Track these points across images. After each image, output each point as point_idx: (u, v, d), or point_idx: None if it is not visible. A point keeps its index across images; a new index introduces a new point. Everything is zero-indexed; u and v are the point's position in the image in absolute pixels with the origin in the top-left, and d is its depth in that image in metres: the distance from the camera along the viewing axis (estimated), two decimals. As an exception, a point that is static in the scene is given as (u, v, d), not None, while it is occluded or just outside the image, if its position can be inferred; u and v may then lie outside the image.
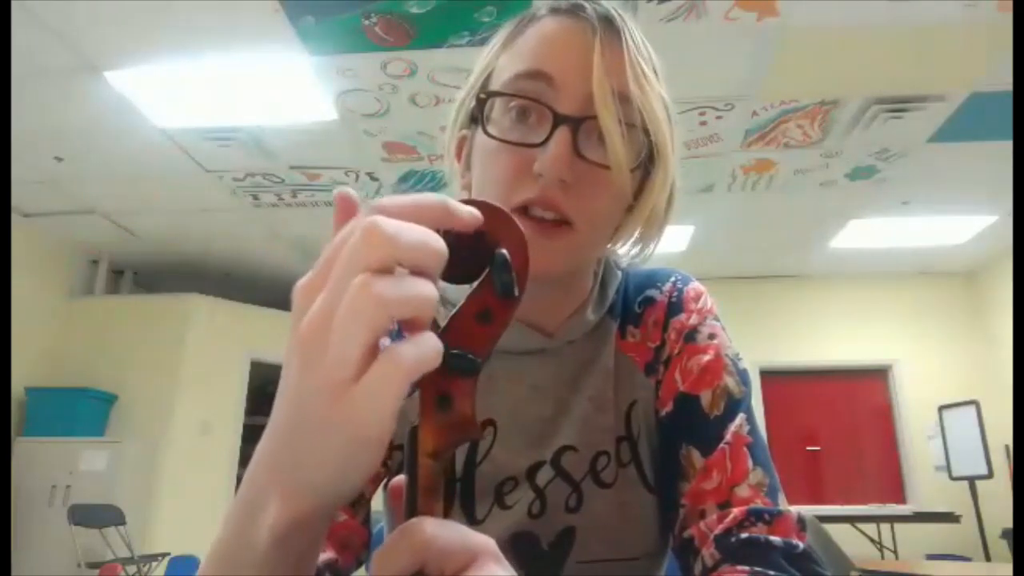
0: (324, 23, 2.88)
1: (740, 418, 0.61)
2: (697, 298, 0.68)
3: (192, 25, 2.90)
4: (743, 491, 0.57)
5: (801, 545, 0.55)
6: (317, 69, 3.19)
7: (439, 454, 0.34)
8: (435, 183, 4.36)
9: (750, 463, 0.59)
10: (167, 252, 5.62)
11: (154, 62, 3.14)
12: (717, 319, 0.68)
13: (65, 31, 2.93)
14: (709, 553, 0.56)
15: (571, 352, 0.67)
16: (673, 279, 0.70)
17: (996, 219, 4.90)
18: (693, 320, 0.67)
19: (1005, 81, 3.26)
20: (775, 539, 0.55)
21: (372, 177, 4.31)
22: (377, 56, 3.10)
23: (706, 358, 0.64)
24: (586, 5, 0.61)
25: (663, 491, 0.64)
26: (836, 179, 4.34)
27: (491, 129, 0.59)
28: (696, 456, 0.60)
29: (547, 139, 0.56)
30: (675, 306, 0.68)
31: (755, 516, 0.56)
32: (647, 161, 0.60)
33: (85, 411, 4.90)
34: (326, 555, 0.57)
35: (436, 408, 0.34)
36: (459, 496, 0.64)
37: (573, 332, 0.66)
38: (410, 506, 0.34)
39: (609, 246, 0.66)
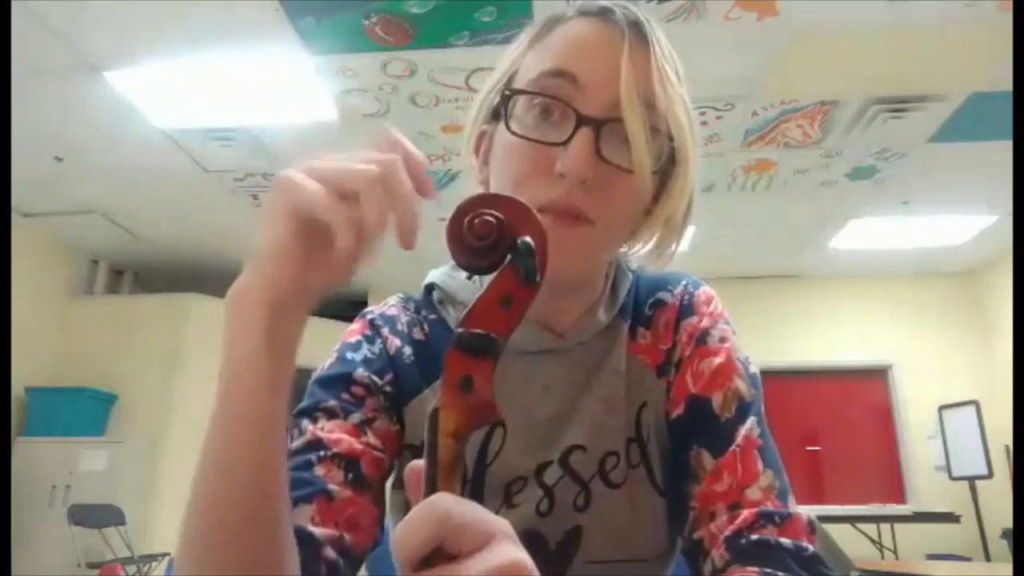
0: (324, 23, 2.88)
1: (751, 421, 0.61)
2: (708, 302, 0.69)
3: (192, 25, 2.90)
4: (754, 493, 0.57)
5: (811, 548, 0.55)
6: (317, 69, 3.19)
7: (460, 435, 0.35)
8: (435, 183, 4.36)
9: (760, 466, 0.59)
10: (167, 252, 5.62)
11: (154, 62, 3.14)
12: (728, 323, 0.68)
13: (65, 31, 2.93)
14: (719, 554, 0.56)
15: (582, 352, 0.67)
16: (684, 283, 0.70)
17: (996, 219, 4.90)
18: (704, 323, 0.67)
19: (1005, 81, 3.26)
20: (785, 541, 0.55)
21: (372, 177, 4.31)
22: (377, 56, 3.10)
23: (717, 360, 0.64)
24: (615, 9, 0.61)
25: (672, 492, 0.64)
26: (836, 179, 4.34)
27: (513, 125, 0.59)
28: (706, 457, 0.61)
29: (569, 139, 0.56)
30: (686, 309, 0.68)
31: (765, 518, 0.56)
32: (667, 165, 0.60)
33: (85, 411, 4.90)
34: (328, 531, 0.55)
35: (458, 389, 0.36)
36: (468, 497, 0.63)
37: (584, 333, 0.66)
38: (429, 485, 0.35)
39: (624, 249, 0.67)
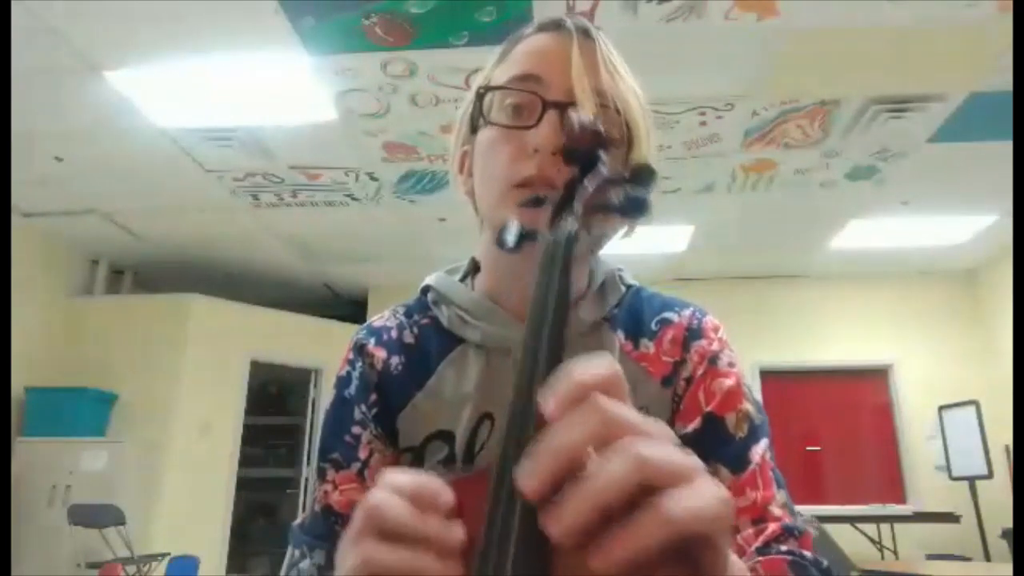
0: (324, 23, 2.88)
1: (764, 443, 0.67)
2: (716, 329, 0.73)
3: (192, 25, 2.90)
4: (775, 509, 0.63)
5: (824, 561, 0.61)
6: (317, 69, 3.19)
7: None
8: (434, 183, 4.36)
9: (776, 486, 0.64)
10: (167, 252, 5.62)
11: (154, 62, 3.14)
12: (732, 350, 0.73)
13: (65, 31, 2.93)
14: (749, 564, 0.60)
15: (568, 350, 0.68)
16: (692, 308, 0.76)
17: (996, 219, 4.90)
18: (715, 347, 0.71)
19: (1005, 81, 3.26)
20: (807, 553, 0.60)
21: (372, 177, 4.31)
22: (377, 56, 3.10)
23: (728, 383, 0.68)
24: (566, 19, 0.71)
25: None
26: (836, 179, 4.34)
27: (492, 119, 0.68)
28: (723, 472, 0.65)
29: (538, 121, 0.64)
30: (696, 332, 0.72)
31: (788, 532, 0.61)
32: (624, 143, 0.67)
33: (85, 411, 4.90)
34: None
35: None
36: None
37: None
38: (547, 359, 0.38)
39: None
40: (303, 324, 5.86)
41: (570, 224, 0.44)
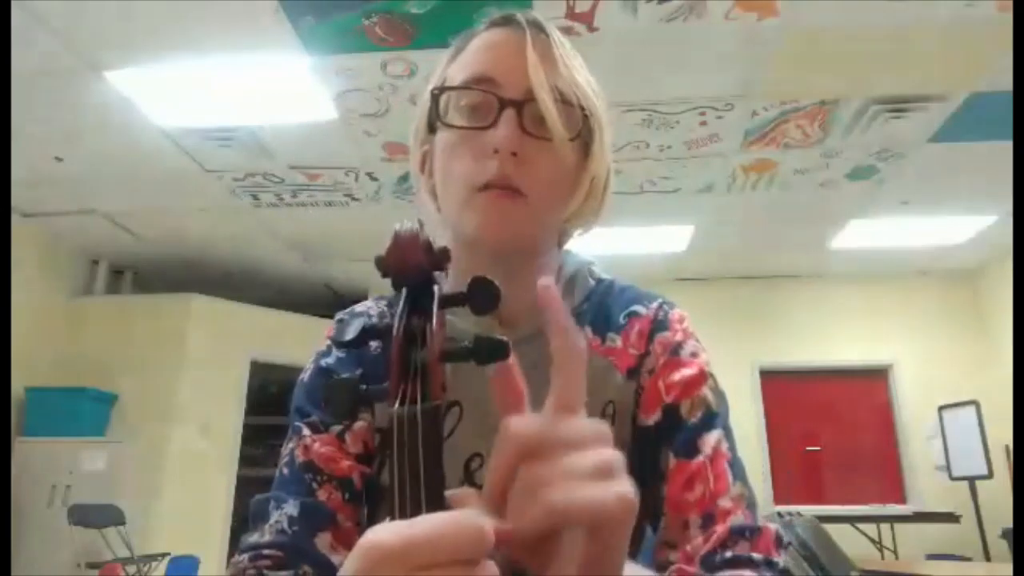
0: (324, 23, 2.88)
1: (719, 432, 0.65)
2: (681, 320, 0.74)
3: (192, 25, 2.90)
4: (725, 503, 0.61)
5: (781, 561, 0.58)
6: (317, 69, 3.19)
7: None
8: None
9: (731, 477, 0.62)
10: (167, 252, 5.62)
11: (154, 62, 3.14)
12: (698, 341, 0.73)
13: (65, 31, 2.93)
14: (696, 574, 0.59)
15: (534, 344, 0.69)
16: (660, 301, 0.75)
17: (996, 219, 4.90)
18: (678, 338, 0.71)
19: (1005, 81, 3.26)
20: (757, 556, 0.58)
21: (372, 177, 4.31)
22: (377, 56, 3.10)
23: (688, 371, 0.69)
24: (517, 14, 0.70)
25: (640, 489, 0.67)
26: (836, 179, 4.34)
27: (448, 121, 0.67)
28: (671, 459, 0.64)
29: (496, 121, 0.64)
30: (661, 323, 0.72)
31: (737, 534, 0.59)
32: (585, 134, 0.67)
33: (85, 411, 4.90)
34: (342, 558, 0.59)
35: None
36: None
37: (533, 324, 0.70)
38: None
39: (564, 224, 0.73)
40: (303, 324, 5.85)
41: (420, 389, 0.37)
